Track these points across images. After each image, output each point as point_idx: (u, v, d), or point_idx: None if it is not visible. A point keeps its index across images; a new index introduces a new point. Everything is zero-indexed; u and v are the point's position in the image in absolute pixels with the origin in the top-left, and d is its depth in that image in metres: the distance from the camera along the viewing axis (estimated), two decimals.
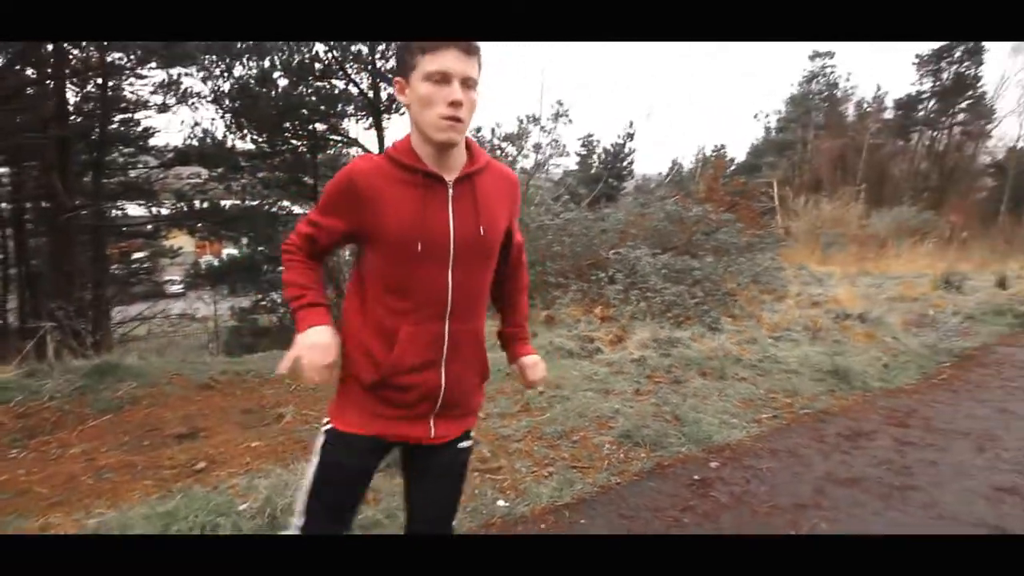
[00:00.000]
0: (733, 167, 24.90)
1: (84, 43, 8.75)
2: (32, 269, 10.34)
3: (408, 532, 1.34)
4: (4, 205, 9.65)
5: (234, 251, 16.30)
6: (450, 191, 1.17)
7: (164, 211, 11.95)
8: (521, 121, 16.02)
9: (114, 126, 11.01)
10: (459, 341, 1.22)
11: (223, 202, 12.91)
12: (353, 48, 11.63)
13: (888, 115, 28.80)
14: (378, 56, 11.86)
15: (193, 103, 10.42)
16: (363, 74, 12.20)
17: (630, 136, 14.35)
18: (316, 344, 1.15)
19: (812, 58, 29.86)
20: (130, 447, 3.17)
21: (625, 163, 14.44)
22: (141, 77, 10.29)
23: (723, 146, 23.87)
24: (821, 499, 2.44)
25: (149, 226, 12.25)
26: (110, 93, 10.49)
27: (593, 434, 3.11)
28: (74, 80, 9.23)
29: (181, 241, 14.69)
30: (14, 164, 9.31)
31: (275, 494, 2.30)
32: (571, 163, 20.35)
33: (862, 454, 2.92)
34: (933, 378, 4.36)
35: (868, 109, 28.50)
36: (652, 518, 2.28)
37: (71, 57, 9.03)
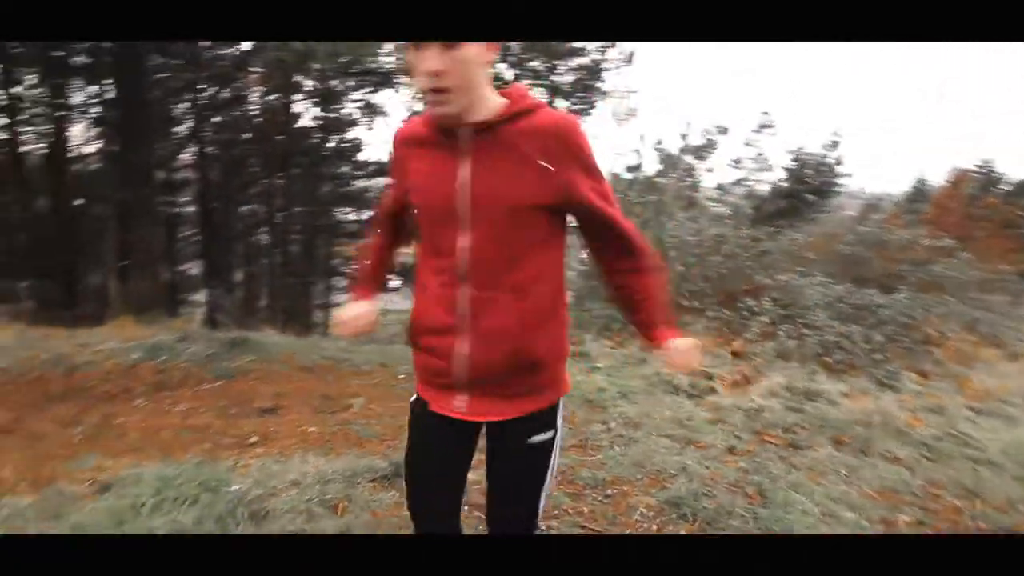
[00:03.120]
0: (1004, 188, 19.42)
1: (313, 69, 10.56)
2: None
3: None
4: (242, 209, 12.17)
5: None
6: (463, 146, 1.09)
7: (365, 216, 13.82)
8: (707, 132, 14.82)
9: (333, 143, 13.13)
10: (481, 310, 1.13)
11: None
12: (529, 64, 11.99)
13: None
14: (555, 72, 12.03)
15: (387, 120, 11.82)
16: (540, 90, 12.51)
17: (834, 144, 12.10)
18: (347, 314, 1.32)
19: None
20: (220, 412, 3.56)
21: (828, 177, 12.18)
22: (354, 101, 12.07)
23: (990, 161, 18.70)
24: None
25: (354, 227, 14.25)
26: (333, 115, 12.53)
27: (638, 492, 2.53)
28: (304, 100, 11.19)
29: None
30: (248, 171, 11.69)
31: (256, 485, 2.30)
32: (779, 177, 18.05)
33: None
34: None
35: None
36: None
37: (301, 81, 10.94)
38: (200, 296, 10.76)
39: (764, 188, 15.40)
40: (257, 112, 12.27)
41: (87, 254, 11.80)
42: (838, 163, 13.98)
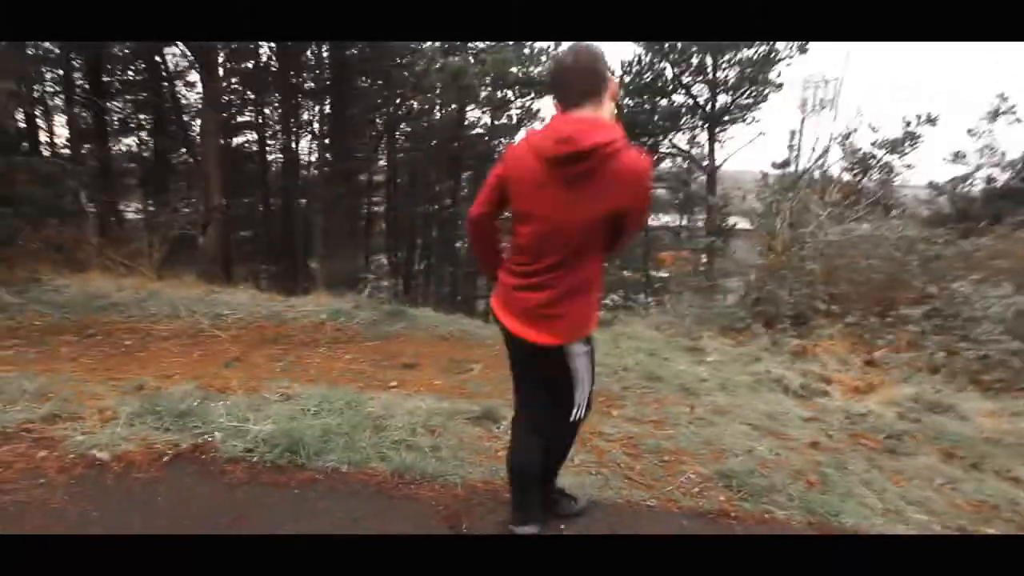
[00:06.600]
0: None
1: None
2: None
3: None
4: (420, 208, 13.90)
5: None
6: None
7: None
8: (908, 123, 12.93)
9: (502, 147, 14.35)
10: None
11: None
12: (694, 60, 11.70)
13: None
14: (720, 66, 11.58)
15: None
16: (702, 86, 12.13)
17: None
18: None
19: None
20: (374, 363, 4.48)
21: None
22: (519, 108, 13.08)
23: None
24: None
25: None
26: (501, 121, 13.74)
27: (695, 462, 2.73)
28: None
29: None
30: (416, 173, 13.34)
31: (383, 408, 3.02)
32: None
33: None
34: None
35: None
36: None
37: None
38: (383, 279, 12.87)
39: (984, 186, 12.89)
40: (437, 121, 13.93)
41: (306, 243, 14.69)
42: None
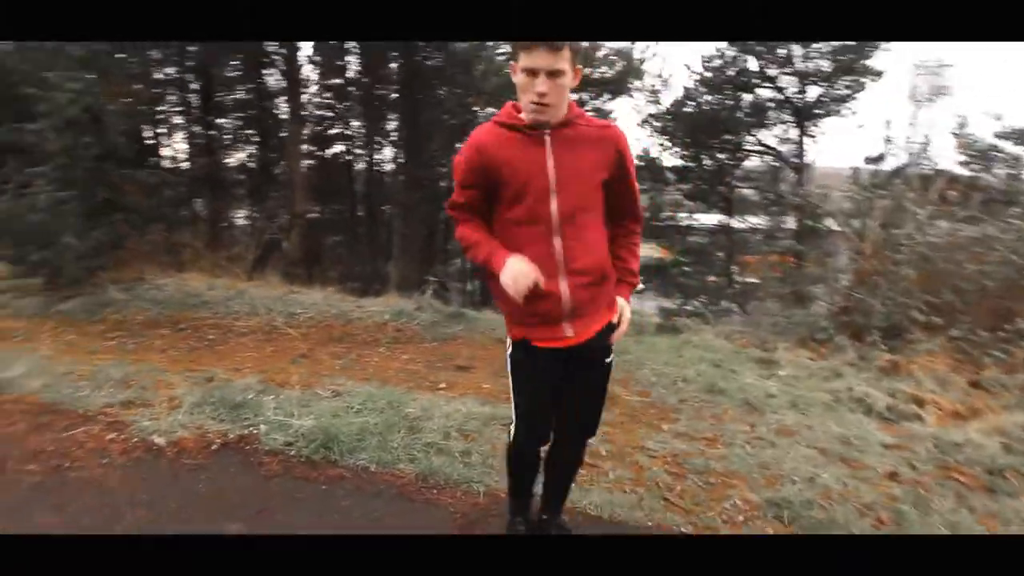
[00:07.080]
0: None
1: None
2: None
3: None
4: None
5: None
6: (548, 137, 1.49)
7: None
8: None
9: None
10: (573, 254, 1.50)
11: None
12: (780, 51, 10.87)
13: None
14: (804, 57, 10.63)
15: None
16: (791, 77, 11.21)
17: None
18: (519, 269, 1.42)
19: None
20: (429, 364, 4.55)
21: None
22: (589, 111, 12.81)
23: None
24: None
25: None
26: None
27: (745, 487, 2.49)
28: None
29: None
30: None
31: (422, 410, 3.04)
32: None
33: None
34: None
35: None
36: None
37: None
38: (451, 281, 13.12)
39: None
40: None
41: (387, 247, 15.34)
42: None
